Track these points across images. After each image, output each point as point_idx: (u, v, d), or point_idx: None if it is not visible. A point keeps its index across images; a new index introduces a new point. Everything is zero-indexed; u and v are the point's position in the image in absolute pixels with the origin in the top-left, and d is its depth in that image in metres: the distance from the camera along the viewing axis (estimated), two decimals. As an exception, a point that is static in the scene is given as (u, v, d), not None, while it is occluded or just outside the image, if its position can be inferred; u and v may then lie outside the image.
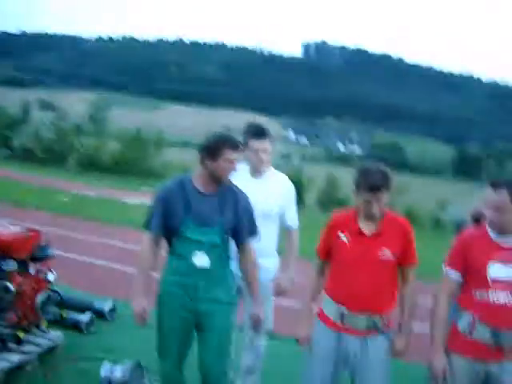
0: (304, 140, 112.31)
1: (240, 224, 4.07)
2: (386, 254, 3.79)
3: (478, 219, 4.37)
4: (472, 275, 3.74)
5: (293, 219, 4.91)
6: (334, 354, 3.93)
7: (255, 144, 4.57)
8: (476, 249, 3.73)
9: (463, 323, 3.76)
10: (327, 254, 4.02)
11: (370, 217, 3.80)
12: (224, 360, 4.18)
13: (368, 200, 3.72)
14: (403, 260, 3.89)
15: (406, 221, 4.01)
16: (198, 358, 4.17)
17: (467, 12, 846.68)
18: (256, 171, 4.70)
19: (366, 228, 3.84)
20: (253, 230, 4.18)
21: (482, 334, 3.67)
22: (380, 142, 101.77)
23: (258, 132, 4.61)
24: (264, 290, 4.65)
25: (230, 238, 4.10)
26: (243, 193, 4.15)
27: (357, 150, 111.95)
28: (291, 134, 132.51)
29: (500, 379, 3.67)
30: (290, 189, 4.88)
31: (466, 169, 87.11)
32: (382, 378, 3.94)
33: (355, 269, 3.80)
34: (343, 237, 3.88)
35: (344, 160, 72.65)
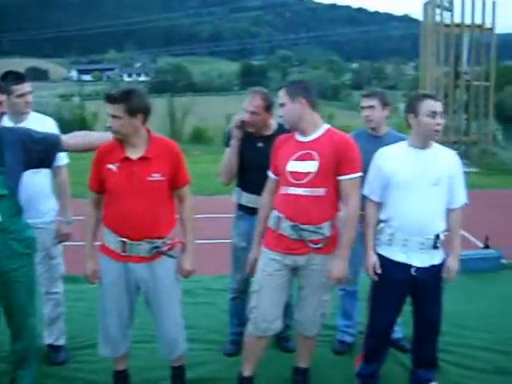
0: (88, 77, 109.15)
1: (38, 156, 3.83)
2: (155, 176, 3.77)
3: (240, 126, 4.51)
4: (280, 175, 3.99)
5: (60, 156, 4.74)
6: (125, 284, 3.94)
7: (20, 88, 4.42)
8: (282, 150, 4.00)
9: (272, 220, 4.00)
10: (99, 186, 3.91)
11: (114, 133, 3.76)
12: (33, 315, 4.07)
13: (109, 113, 3.67)
14: (176, 181, 3.92)
15: (173, 143, 4.01)
16: (5, 315, 4.01)
17: None
18: (19, 115, 4.50)
19: (133, 154, 3.78)
20: (56, 149, 3.96)
21: (286, 228, 3.89)
22: (164, 66, 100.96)
23: (18, 77, 4.46)
24: (48, 236, 4.63)
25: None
26: (21, 128, 3.98)
27: (142, 78, 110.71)
28: (74, 74, 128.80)
29: (306, 270, 3.99)
30: (51, 127, 4.68)
31: (251, 81, 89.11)
32: (173, 299, 4.04)
33: (127, 196, 3.76)
34: (111, 166, 3.80)
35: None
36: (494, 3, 16.46)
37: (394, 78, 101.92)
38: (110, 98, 3.65)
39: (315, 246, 3.90)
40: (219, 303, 5.80)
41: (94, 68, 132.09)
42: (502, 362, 4.93)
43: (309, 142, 3.92)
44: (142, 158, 3.77)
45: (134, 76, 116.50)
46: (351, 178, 3.90)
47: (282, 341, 4.98)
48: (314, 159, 3.84)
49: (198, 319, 5.56)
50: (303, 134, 3.95)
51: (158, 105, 22.76)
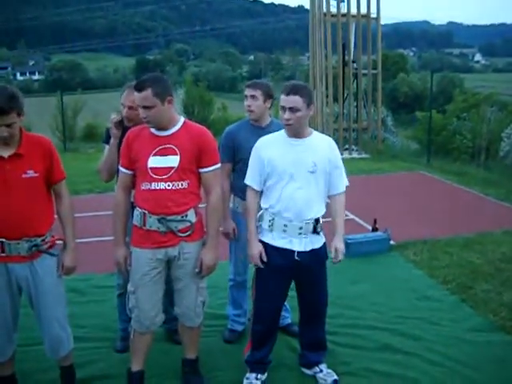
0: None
1: None
2: (30, 173, 3.70)
3: (118, 124, 4.51)
4: (138, 170, 3.94)
5: None
6: (6, 286, 3.85)
7: None
8: (138, 145, 3.94)
9: (136, 218, 3.97)
10: None
11: (1, 140, 3.64)
12: None
13: None
14: (51, 178, 3.86)
15: (46, 138, 3.93)
16: None
17: None
18: None
19: (4, 152, 3.68)
20: None
21: (153, 223, 3.89)
22: (58, 64, 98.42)
23: None
24: None
25: None
26: None
27: (36, 76, 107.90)
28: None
29: (179, 260, 4.00)
30: None
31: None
32: (57, 298, 3.96)
33: (2, 194, 3.65)
34: None
35: (24, 89, 69.22)
36: (378, -7, 16.94)
37: (290, 69, 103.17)
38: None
39: (184, 235, 3.95)
40: (109, 301, 5.71)
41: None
42: (387, 339, 5.12)
43: (167, 136, 3.92)
44: (13, 156, 3.68)
45: (28, 74, 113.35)
46: (212, 170, 4.00)
47: (173, 333, 4.99)
48: (175, 154, 3.87)
49: (88, 318, 5.50)
50: (162, 129, 3.94)
51: (51, 103, 22.18)
